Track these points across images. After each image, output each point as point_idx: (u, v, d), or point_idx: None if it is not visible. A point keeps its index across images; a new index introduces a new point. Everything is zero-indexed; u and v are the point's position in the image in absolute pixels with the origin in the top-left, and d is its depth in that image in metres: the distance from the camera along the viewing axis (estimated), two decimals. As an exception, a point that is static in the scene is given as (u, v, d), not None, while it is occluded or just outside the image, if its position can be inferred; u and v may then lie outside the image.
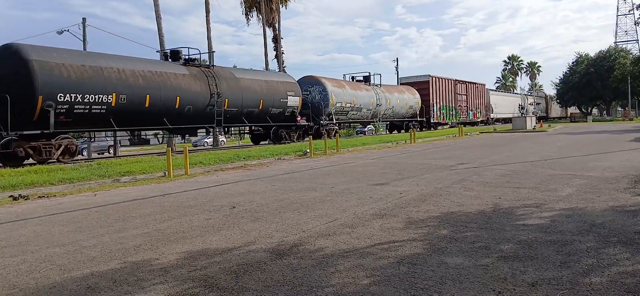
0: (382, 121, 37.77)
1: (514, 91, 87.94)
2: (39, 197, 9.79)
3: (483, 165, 12.81)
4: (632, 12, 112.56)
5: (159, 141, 50.25)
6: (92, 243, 5.66)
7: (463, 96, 46.91)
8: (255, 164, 15.59)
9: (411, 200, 7.79)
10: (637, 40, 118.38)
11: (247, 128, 26.23)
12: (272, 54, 42.33)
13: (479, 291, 3.67)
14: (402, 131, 37.45)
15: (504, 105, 60.94)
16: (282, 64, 43.98)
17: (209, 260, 4.76)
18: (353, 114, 31.49)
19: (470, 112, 48.55)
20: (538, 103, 76.73)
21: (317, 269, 4.34)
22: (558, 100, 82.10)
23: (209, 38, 33.00)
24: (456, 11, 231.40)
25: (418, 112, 39.22)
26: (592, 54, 77.68)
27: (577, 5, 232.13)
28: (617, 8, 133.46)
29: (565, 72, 79.78)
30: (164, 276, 4.29)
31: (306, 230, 5.91)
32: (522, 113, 55.54)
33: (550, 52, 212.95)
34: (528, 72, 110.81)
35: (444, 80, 43.18)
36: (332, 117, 28.87)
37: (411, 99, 38.29)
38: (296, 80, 28.16)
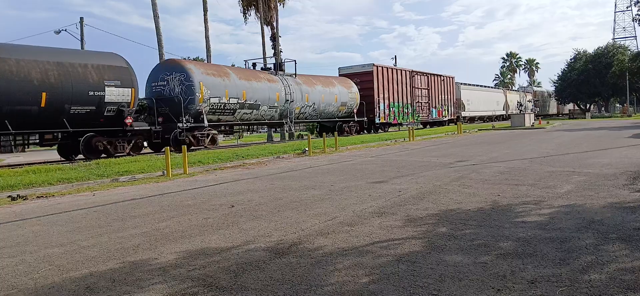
0: (300, 122, 28.99)
1: (512, 88, 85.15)
2: (38, 197, 9.77)
3: (482, 162, 12.81)
4: (630, 8, 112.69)
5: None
6: (90, 243, 5.65)
7: (423, 90, 39.33)
8: (254, 163, 15.58)
9: (410, 197, 7.79)
10: (635, 36, 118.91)
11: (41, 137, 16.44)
12: (270, 52, 42.27)
13: (478, 289, 3.67)
14: (335, 134, 24.94)
15: (479, 101, 52.74)
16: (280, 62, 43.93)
17: (208, 259, 4.76)
18: (245, 114, 22.94)
19: (434, 110, 41.06)
20: (537, 100, 74.96)
21: (316, 268, 4.34)
22: (556, 97, 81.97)
23: (206, 37, 32.93)
24: (454, 9, 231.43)
25: (356, 110, 31.18)
26: (590, 51, 77.68)
27: (576, 2, 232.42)
28: (615, 5, 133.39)
29: (564, 69, 79.76)
30: (162, 276, 4.29)
31: (305, 228, 5.91)
32: (520, 111, 55.14)
33: (549, 49, 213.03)
34: (526, 69, 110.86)
35: (394, 70, 35.50)
36: (203, 118, 20.36)
37: (344, 94, 29.80)
38: (156, 65, 20.80)
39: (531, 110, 62.68)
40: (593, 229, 5.28)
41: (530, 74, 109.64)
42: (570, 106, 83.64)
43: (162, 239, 5.67)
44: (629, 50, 77.04)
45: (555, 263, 4.19)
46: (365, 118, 32.19)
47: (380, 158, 15.45)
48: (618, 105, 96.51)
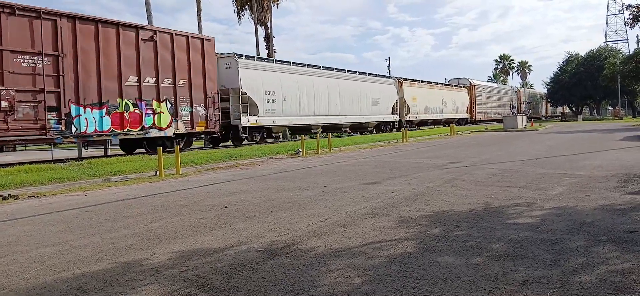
0: None
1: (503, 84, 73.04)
2: (29, 196, 9.71)
3: (474, 164, 12.86)
4: (622, 12, 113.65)
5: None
6: (82, 243, 5.62)
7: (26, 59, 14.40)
8: (247, 163, 15.56)
9: (403, 199, 7.81)
10: (627, 39, 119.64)
11: None
12: (264, 52, 42.24)
13: (470, 291, 3.69)
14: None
15: (309, 97, 27.65)
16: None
17: (200, 259, 4.75)
18: None
19: (94, 115, 16.20)
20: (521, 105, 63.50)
21: (309, 269, 4.34)
22: (549, 99, 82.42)
23: (200, 36, 32.88)
24: (448, 10, 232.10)
25: None
26: (582, 54, 78.18)
27: (568, 4, 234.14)
28: (608, 8, 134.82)
29: (556, 72, 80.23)
30: (155, 277, 4.27)
31: (298, 229, 5.91)
32: (512, 113, 54.26)
33: (541, 52, 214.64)
34: (519, 71, 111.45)
35: None
36: None
37: None
38: None
39: (524, 111, 59.50)
40: (584, 231, 5.32)
41: (523, 76, 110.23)
42: (555, 108, 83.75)
43: (155, 239, 5.65)
44: (621, 53, 77.62)
45: (546, 265, 4.22)
46: None
47: (374, 160, 15.47)
48: (610, 107, 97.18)
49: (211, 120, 20.69)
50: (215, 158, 15.80)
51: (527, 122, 43.71)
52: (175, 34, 19.15)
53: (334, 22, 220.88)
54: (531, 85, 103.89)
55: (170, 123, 18.86)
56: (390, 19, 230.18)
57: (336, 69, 31.61)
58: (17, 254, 5.24)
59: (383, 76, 37.39)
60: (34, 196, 9.76)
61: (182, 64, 19.33)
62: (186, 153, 17.29)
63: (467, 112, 51.68)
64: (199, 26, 33.03)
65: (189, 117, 19.66)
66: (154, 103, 18.23)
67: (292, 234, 5.67)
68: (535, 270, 4.11)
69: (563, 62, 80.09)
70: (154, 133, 18.31)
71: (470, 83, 53.92)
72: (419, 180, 10.07)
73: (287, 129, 28.84)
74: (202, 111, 20.32)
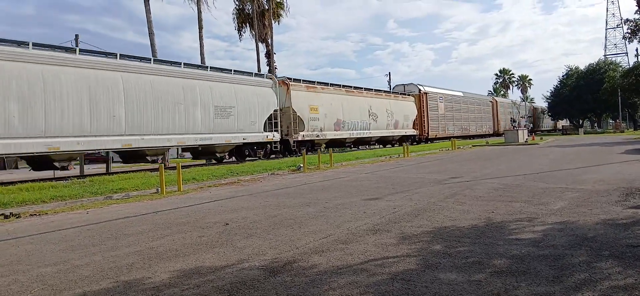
0: None
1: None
2: (31, 215, 9.71)
3: (475, 179, 12.85)
4: (620, 26, 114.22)
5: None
6: (84, 262, 5.61)
7: None
8: (249, 179, 15.56)
9: (404, 214, 7.80)
10: (627, 53, 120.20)
11: None
12: (265, 69, 42.44)
13: (472, 307, 3.68)
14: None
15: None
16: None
17: (202, 278, 4.74)
18: None
19: None
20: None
21: (310, 286, 4.33)
22: (549, 113, 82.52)
23: (201, 53, 33.11)
24: (447, 26, 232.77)
25: None
26: (582, 67, 78.41)
27: (567, 19, 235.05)
28: (606, 22, 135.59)
29: (556, 85, 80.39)
30: (156, 295, 4.26)
31: (300, 246, 5.90)
32: (513, 126, 53.90)
33: (541, 65, 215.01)
34: (519, 85, 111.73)
35: None
36: None
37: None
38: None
39: (524, 125, 58.92)
40: (586, 246, 5.31)
41: (523, 90, 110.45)
42: (543, 121, 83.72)
43: (156, 258, 5.65)
44: (621, 66, 77.79)
45: (548, 281, 4.21)
46: None
47: (375, 175, 15.46)
48: (611, 121, 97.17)
49: None
50: (216, 175, 15.81)
51: (528, 135, 43.60)
52: None
53: (335, 38, 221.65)
54: (532, 99, 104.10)
55: None
56: (391, 35, 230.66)
57: (120, 55, 17.73)
58: (18, 273, 5.24)
59: (248, 73, 24.30)
60: (35, 214, 9.76)
61: None
62: (188, 170, 17.29)
63: (414, 128, 39.82)
64: (200, 43, 33.26)
65: None
66: None
67: (293, 251, 5.66)
68: (538, 286, 4.09)
69: (563, 76, 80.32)
70: None
71: (420, 90, 42.40)
72: (420, 195, 10.06)
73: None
74: None
